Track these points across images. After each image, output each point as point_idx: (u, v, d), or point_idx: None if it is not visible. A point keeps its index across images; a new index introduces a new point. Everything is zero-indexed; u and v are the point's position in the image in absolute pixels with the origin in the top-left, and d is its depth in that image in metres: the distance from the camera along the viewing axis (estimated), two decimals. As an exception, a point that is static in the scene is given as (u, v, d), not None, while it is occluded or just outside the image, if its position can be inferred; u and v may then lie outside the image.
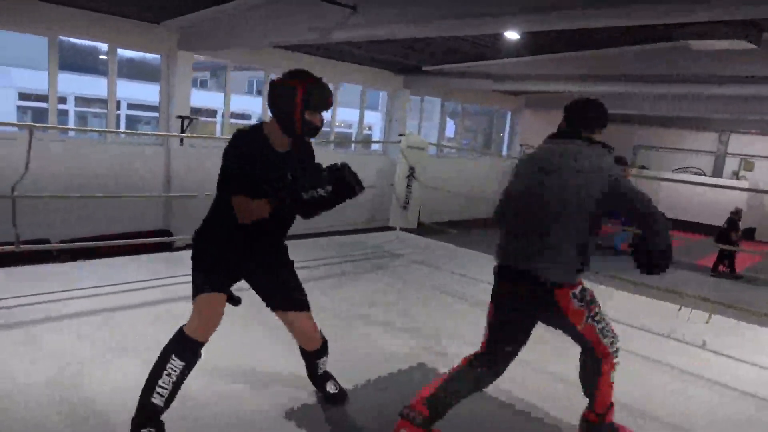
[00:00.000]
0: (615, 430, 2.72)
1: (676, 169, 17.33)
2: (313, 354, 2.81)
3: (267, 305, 2.68)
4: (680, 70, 8.16)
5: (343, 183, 2.26)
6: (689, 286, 5.84)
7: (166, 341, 2.43)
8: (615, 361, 2.57)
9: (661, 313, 4.76)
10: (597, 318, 2.47)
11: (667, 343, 4.10)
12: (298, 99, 2.29)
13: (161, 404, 2.37)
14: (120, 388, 2.76)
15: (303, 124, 2.34)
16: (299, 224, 2.59)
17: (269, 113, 2.42)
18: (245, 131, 2.40)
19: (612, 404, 2.68)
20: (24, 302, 3.73)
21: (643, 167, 18.04)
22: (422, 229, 7.35)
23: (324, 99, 2.35)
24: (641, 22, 5.27)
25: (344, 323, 3.83)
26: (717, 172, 17.28)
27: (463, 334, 3.74)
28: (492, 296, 2.56)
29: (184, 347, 2.39)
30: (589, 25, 5.05)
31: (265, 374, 3.05)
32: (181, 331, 2.43)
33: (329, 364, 2.88)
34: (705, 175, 16.94)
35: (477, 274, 5.36)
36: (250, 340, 3.42)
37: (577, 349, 2.60)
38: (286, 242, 2.70)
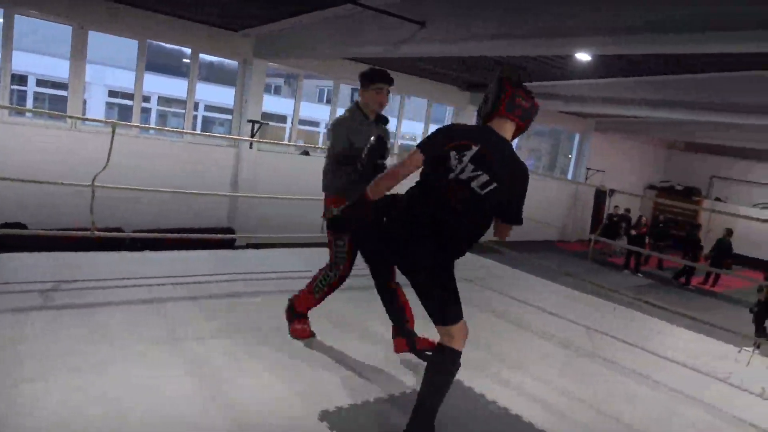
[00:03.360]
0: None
1: (758, 204, 16.32)
2: None
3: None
4: (762, 99, 7.76)
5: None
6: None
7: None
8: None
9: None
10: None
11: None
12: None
13: None
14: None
15: None
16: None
17: None
18: None
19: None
20: (90, 286, 4.03)
21: (718, 199, 17.16)
22: (478, 248, 7.28)
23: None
24: (720, 50, 5.07)
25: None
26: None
27: (500, 350, 3.72)
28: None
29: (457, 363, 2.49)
30: (664, 51, 4.92)
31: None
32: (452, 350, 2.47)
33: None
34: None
35: (523, 296, 5.30)
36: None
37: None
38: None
